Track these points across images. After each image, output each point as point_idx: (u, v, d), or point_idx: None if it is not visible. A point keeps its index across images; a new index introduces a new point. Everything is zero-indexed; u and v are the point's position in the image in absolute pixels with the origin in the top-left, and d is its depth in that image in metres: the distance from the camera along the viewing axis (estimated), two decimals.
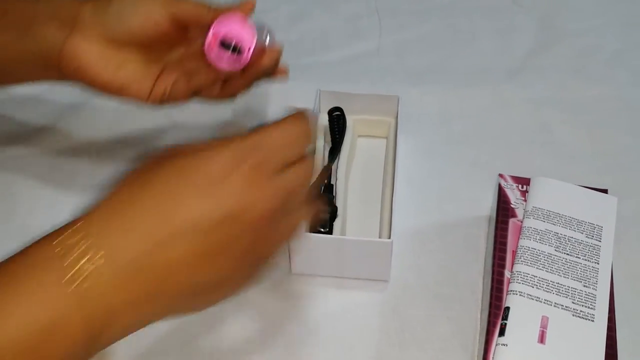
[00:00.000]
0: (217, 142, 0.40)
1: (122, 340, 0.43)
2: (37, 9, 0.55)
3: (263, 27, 0.55)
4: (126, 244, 0.37)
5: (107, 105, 0.70)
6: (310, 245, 0.53)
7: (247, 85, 0.58)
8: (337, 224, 0.58)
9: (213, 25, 0.52)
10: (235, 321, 0.53)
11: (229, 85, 0.57)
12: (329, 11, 0.82)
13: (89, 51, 0.54)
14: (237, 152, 0.39)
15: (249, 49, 0.52)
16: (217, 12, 0.53)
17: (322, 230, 0.55)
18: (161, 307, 0.39)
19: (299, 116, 0.43)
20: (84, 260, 0.36)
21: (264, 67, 0.55)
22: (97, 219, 0.37)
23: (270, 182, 0.40)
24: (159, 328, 0.52)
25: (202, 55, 0.54)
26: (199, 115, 0.69)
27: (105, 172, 0.62)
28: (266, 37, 0.55)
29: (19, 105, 0.70)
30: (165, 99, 0.57)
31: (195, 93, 0.57)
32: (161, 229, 0.37)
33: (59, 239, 0.36)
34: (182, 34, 0.56)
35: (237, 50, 0.52)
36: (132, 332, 0.39)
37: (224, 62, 0.53)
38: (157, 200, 0.38)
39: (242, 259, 0.40)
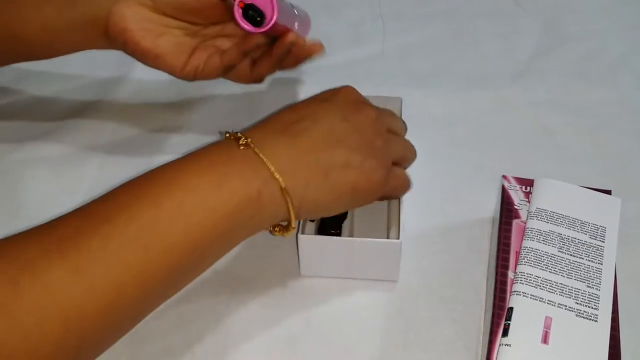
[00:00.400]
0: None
1: (126, 339, 0.44)
2: None
3: (294, 8, 0.60)
4: (271, 130, 0.49)
5: (113, 107, 0.71)
6: (319, 247, 0.54)
7: (274, 66, 0.62)
8: (345, 225, 0.58)
9: None
10: (242, 321, 0.53)
11: (257, 66, 0.61)
12: (333, 16, 0.82)
13: (135, 14, 0.57)
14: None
15: (272, 16, 0.55)
16: None
17: (333, 231, 0.56)
18: (301, 176, 0.47)
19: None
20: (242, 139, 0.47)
21: (287, 44, 0.59)
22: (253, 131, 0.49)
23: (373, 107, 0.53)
24: (165, 327, 0.52)
25: (235, 28, 0.59)
26: (205, 119, 0.70)
27: (111, 173, 0.64)
28: (294, 18, 0.59)
29: (26, 108, 0.71)
30: (198, 75, 0.60)
31: (226, 70, 0.60)
32: (299, 123, 0.49)
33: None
34: (223, 12, 0.59)
35: (258, 14, 0.56)
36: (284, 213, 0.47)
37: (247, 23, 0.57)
38: (292, 109, 0.51)
39: (361, 146, 0.49)
